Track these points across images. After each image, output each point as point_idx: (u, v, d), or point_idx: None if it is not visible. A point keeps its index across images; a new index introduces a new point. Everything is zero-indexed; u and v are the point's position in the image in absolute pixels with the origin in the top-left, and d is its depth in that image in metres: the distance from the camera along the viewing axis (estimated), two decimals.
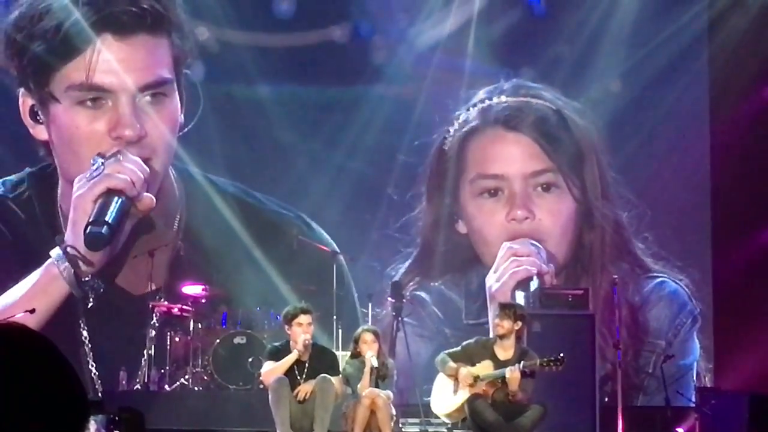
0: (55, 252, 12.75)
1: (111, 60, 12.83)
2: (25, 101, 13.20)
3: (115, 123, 12.84)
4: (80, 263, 12.71)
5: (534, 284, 13.16)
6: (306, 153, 14.07)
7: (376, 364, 10.32)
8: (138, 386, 12.82)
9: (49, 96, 12.96)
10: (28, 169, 13.68)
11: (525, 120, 13.83)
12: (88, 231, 12.36)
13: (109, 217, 12.38)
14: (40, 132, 13.22)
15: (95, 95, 12.91)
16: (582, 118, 13.91)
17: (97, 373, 13.26)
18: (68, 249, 12.66)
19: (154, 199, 12.83)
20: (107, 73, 12.84)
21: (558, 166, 13.78)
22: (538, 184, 13.80)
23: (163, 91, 13.08)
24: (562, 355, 10.16)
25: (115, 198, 12.46)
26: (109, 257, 12.92)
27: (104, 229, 12.37)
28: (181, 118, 13.35)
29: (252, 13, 14.01)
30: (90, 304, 13.09)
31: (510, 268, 13.30)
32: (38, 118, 13.16)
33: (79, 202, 12.58)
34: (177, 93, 13.21)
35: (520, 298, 12.99)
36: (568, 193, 13.80)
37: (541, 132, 13.79)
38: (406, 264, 13.99)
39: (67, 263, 12.68)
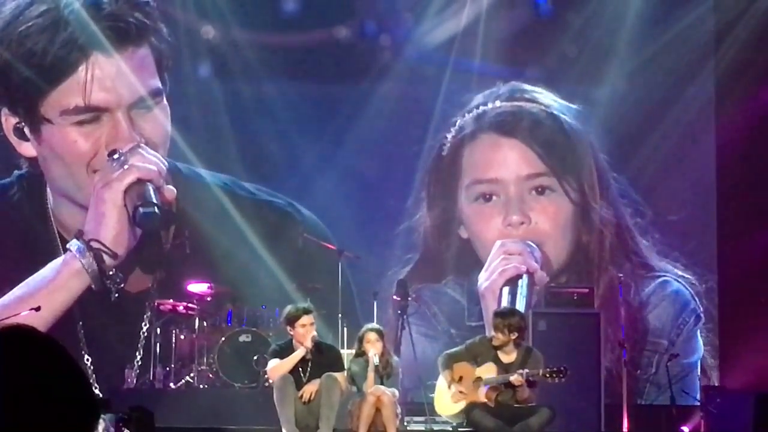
0: (75, 245, 12.59)
1: (103, 78, 12.77)
2: (8, 119, 13.06)
3: (113, 137, 12.80)
4: (104, 257, 12.63)
5: (523, 282, 13.18)
6: (311, 152, 14.06)
7: (377, 362, 10.35)
8: (132, 383, 12.78)
9: (41, 118, 12.85)
10: (17, 172, 13.55)
11: (518, 125, 13.89)
12: (141, 212, 12.32)
13: (155, 199, 12.41)
14: (27, 149, 13.12)
15: (92, 115, 12.87)
16: (579, 120, 13.93)
17: (94, 376, 13.17)
18: (92, 243, 12.56)
19: (175, 191, 12.85)
20: (101, 92, 12.78)
21: (552, 169, 13.83)
22: (533, 187, 13.85)
23: (155, 99, 13.07)
24: (564, 366, 10.12)
25: (148, 185, 12.48)
26: (128, 249, 12.81)
27: (156, 209, 12.38)
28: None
29: (258, 12, 14.00)
30: (114, 298, 12.98)
31: (500, 266, 13.35)
32: (24, 135, 13.03)
33: (108, 193, 12.49)
34: (165, 96, 13.21)
35: (506, 295, 13.03)
36: (564, 195, 13.85)
37: (534, 136, 13.84)
38: (407, 269, 13.97)
39: (91, 257, 12.57)
